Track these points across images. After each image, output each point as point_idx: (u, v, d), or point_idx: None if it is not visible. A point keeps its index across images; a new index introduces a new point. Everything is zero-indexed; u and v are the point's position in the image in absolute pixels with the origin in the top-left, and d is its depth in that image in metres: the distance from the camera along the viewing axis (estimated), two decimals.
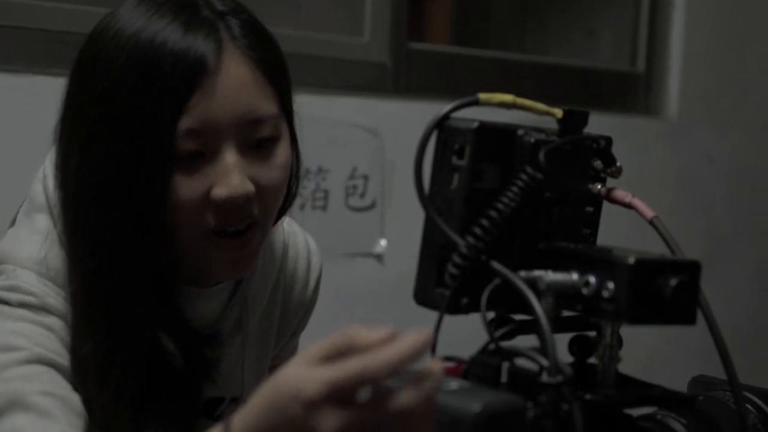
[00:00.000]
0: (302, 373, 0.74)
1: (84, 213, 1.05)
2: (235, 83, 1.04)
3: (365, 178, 2.03)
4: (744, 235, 2.77)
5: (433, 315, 0.87)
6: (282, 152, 1.09)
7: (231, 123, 1.04)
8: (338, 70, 2.11)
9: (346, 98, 2.07)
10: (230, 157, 1.04)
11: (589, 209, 0.95)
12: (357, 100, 2.08)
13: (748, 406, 0.96)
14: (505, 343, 0.84)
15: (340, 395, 0.72)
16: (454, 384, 0.77)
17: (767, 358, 2.64)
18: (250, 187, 1.05)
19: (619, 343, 0.95)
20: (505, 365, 0.82)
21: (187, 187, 1.03)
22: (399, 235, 2.06)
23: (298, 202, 1.91)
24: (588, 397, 0.83)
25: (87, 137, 1.04)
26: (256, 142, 1.06)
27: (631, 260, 0.80)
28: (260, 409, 0.77)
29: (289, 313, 1.30)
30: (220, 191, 1.04)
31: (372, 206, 2.04)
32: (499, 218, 0.85)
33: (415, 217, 2.07)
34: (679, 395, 0.89)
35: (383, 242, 2.05)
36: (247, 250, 1.09)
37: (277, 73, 1.09)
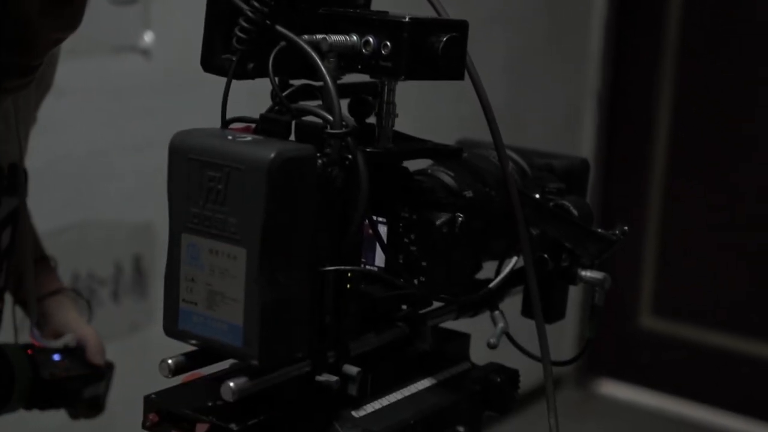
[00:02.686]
0: None
1: None
2: None
3: None
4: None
5: (218, 83, 0.91)
6: None
7: None
8: None
9: None
10: None
11: None
12: None
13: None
14: (295, 105, 0.90)
15: None
16: (247, 137, 0.83)
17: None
18: None
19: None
20: (294, 122, 0.88)
21: None
22: (165, 28, 2.05)
23: None
24: (369, 150, 0.91)
25: None
26: None
27: (407, 18, 0.87)
28: None
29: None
30: None
31: None
32: None
33: (182, 9, 2.05)
34: (448, 147, 0.98)
35: (149, 36, 2.03)
36: None
37: None
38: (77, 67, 1.94)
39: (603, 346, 3.28)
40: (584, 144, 3.28)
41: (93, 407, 1.38)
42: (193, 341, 0.84)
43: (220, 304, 0.81)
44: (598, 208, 3.14)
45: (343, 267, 0.87)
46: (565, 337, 3.21)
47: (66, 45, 1.83)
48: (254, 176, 0.78)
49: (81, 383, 1.34)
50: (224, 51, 0.91)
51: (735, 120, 3.12)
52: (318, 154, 0.84)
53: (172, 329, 0.85)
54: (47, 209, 1.89)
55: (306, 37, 0.90)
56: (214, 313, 0.82)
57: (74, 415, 1.39)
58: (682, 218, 3.28)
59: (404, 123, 0.99)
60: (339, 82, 0.96)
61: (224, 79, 0.91)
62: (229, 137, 0.82)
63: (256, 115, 0.92)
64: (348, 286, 0.88)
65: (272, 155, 0.78)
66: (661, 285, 3.34)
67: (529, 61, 2.98)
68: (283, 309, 0.81)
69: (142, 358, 2.11)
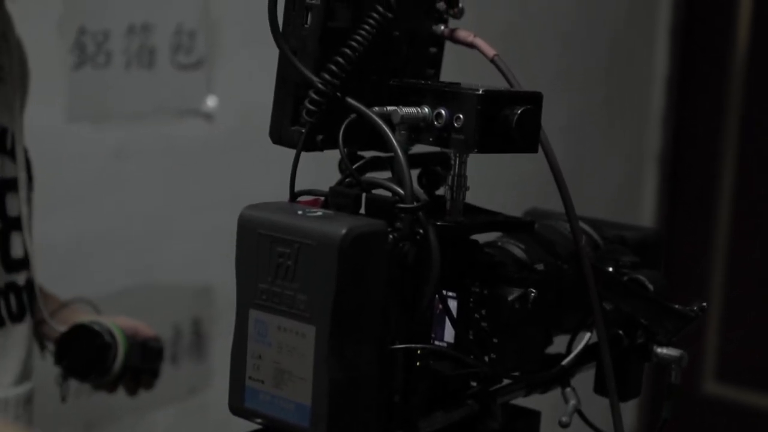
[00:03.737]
0: None
1: None
2: None
3: (191, 34, 2.00)
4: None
5: (286, 154, 0.90)
6: None
7: None
8: None
9: None
10: None
11: (433, 50, 0.99)
12: None
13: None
14: (363, 177, 0.88)
15: None
16: (317, 212, 0.81)
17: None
18: None
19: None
20: (364, 195, 0.86)
21: None
22: (228, 92, 2.06)
23: (122, 60, 1.88)
24: (439, 223, 0.89)
25: None
26: None
27: (480, 91, 0.85)
28: None
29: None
30: None
31: (199, 63, 2.02)
32: (353, 55, 0.88)
33: (245, 74, 2.07)
34: (519, 220, 0.96)
35: (211, 100, 2.04)
36: None
37: None
38: (142, 131, 1.95)
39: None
40: (645, 208, 3.23)
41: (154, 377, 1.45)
42: (259, 420, 0.82)
43: (288, 382, 0.79)
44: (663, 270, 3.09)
45: (413, 345, 0.84)
46: (626, 412, 3.14)
47: (131, 109, 1.86)
48: (325, 253, 0.76)
49: (159, 356, 1.43)
50: (293, 123, 0.91)
51: None
52: (389, 229, 0.82)
53: (238, 407, 0.83)
54: (109, 271, 1.90)
55: (377, 109, 0.89)
56: (281, 392, 0.80)
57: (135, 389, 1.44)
58: (747, 282, 3.21)
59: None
60: (409, 152, 0.95)
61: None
62: (299, 212, 0.80)
63: (323, 187, 0.90)
64: (417, 363, 0.86)
65: (344, 231, 0.76)
66: (725, 350, 3.26)
67: (587, 122, 2.95)
68: (351, 388, 0.79)
69: (201, 421, 2.10)
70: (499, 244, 1.00)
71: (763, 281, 3.16)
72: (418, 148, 0.94)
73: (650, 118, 3.22)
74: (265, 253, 0.79)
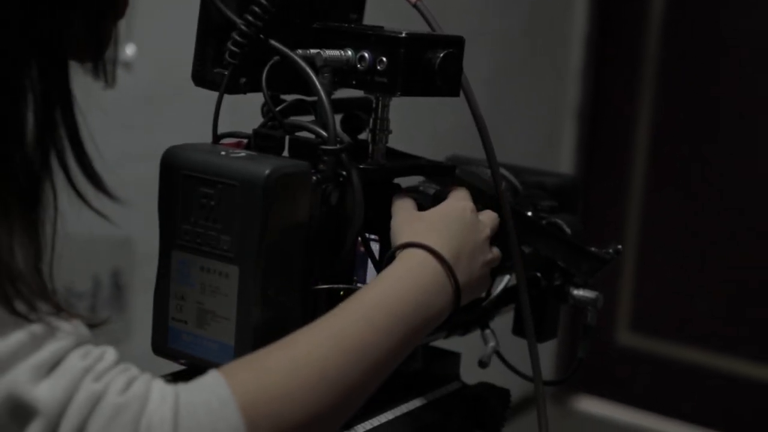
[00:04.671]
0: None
1: None
2: None
3: None
4: None
5: (200, 96, 0.89)
6: None
7: None
8: None
9: None
10: None
11: None
12: None
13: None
14: (286, 119, 0.88)
15: None
16: (241, 153, 0.81)
17: None
18: None
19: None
20: (287, 137, 0.86)
21: None
22: (148, 41, 2.03)
23: None
24: (362, 166, 0.89)
25: None
26: None
27: (403, 34, 0.85)
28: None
29: None
30: None
31: None
32: None
33: (165, 21, 2.03)
34: (441, 164, 0.97)
35: (130, 48, 2.01)
36: None
37: None
38: None
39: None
40: (563, 159, 3.28)
41: None
42: (182, 360, 0.83)
43: (211, 322, 0.80)
44: None
45: (336, 285, 0.85)
46: (543, 354, 3.20)
47: None
48: (249, 193, 0.76)
49: None
50: (216, 65, 0.90)
51: (715, 133, 3.14)
52: (312, 171, 0.82)
53: (161, 347, 0.83)
54: None
55: (300, 51, 0.89)
56: (204, 332, 0.80)
57: None
58: (661, 233, 3.28)
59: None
60: (332, 97, 0.95)
61: (209, 93, 0.90)
62: (223, 153, 0.80)
63: (241, 130, 0.90)
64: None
65: (268, 171, 0.76)
66: (638, 301, 3.34)
67: (509, 76, 2.98)
68: (275, 327, 0.79)
69: None
70: (421, 188, 1.01)
71: (676, 232, 3.23)
72: (342, 93, 0.94)
73: (569, 73, 3.26)
74: (188, 193, 0.79)
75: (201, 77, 0.91)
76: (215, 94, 0.89)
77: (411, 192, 1.01)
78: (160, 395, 0.66)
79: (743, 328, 3.19)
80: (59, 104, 0.73)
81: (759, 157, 3.08)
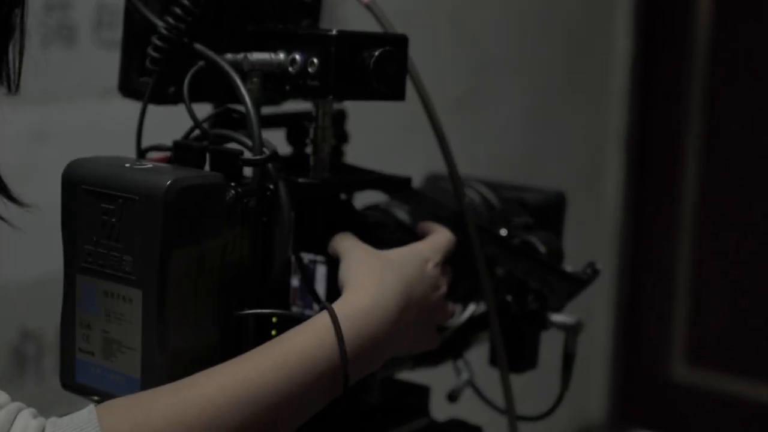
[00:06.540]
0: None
1: None
2: None
3: (112, 12, 1.92)
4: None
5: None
6: None
7: None
8: None
9: None
10: None
11: None
12: None
13: (472, 189, 0.97)
14: (214, 130, 0.81)
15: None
16: (147, 164, 0.73)
17: None
18: None
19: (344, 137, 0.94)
20: (210, 149, 0.78)
21: None
22: None
23: (37, 40, 1.80)
24: (300, 180, 0.81)
25: None
26: None
27: (334, 32, 0.77)
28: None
29: None
30: None
31: None
32: None
33: None
34: (395, 178, 0.88)
35: None
36: None
37: None
38: (65, 112, 1.87)
39: (636, 396, 3.14)
40: (609, 187, 3.17)
41: None
42: (93, 396, 0.75)
43: (117, 353, 0.72)
44: (627, 252, 3.02)
45: (263, 311, 0.77)
46: (553, 388, 3.06)
47: (54, 89, 1.77)
48: (149, 208, 0.69)
49: None
50: (142, 73, 0.83)
51: None
52: (233, 184, 0.74)
53: (68, 382, 0.75)
54: (26, 260, 1.81)
55: (229, 56, 0.81)
56: (111, 364, 0.72)
57: None
58: (716, 262, 3.14)
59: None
60: (278, 110, 0.88)
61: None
62: (127, 165, 0.73)
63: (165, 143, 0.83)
64: (273, 332, 0.78)
65: (168, 183, 0.68)
66: (695, 330, 3.20)
67: (550, 104, 2.89)
68: (187, 358, 0.71)
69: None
70: (383, 206, 0.93)
71: (731, 260, 3.09)
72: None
73: (612, 99, 3.15)
74: (89, 210, 0.72)
75: (126, 87, 0.84)
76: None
77: (372, 211, 0.93)
78: (22, 427, 0.59)
79: None
80: None
81: None
